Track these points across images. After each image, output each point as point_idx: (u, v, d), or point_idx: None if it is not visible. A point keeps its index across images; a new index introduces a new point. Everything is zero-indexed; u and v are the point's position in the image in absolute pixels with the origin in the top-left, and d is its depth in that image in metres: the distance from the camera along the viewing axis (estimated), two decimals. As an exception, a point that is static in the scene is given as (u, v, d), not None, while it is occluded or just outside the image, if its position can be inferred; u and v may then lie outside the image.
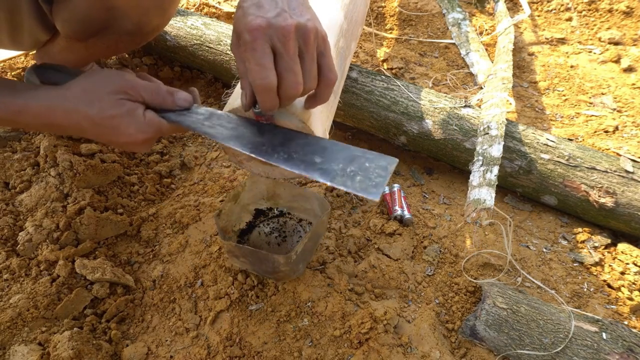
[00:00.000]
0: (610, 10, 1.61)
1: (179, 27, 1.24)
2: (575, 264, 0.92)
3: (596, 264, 0.92)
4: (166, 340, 0.78)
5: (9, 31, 0.79)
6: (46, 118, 0.60)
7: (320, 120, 0.69)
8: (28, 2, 0.76)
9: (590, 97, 1.35)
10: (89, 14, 0.76)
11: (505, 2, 1.62)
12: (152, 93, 0.60)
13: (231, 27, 1.25)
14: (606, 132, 1.21)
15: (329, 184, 0.48)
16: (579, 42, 1.55)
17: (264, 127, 0.58)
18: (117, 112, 0.58)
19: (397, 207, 0.97)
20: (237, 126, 0.58)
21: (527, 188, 1.01)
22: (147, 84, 0.61)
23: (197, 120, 0.59)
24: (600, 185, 0.94)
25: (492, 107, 1.02)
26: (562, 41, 1.56)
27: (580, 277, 0.90)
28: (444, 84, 1.37)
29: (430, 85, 1.35)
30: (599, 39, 1.55)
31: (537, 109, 1.32)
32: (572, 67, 1.45)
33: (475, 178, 0.88)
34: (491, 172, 0.88)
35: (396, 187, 1.01)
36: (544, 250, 0.95)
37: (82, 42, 0.84)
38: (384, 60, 1.43)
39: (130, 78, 0.60)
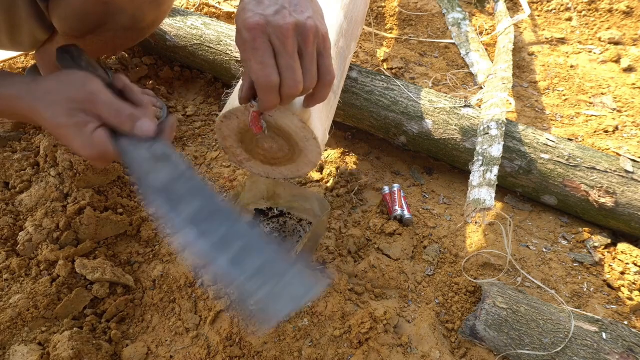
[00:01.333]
0: (610, 10, 1.61)
1: (179, 27, 1.24)
2: (575, 264, 0.92)
3: (596, 264, 0.92)
4: (166, 340, 0.78)
5: (7, 31, 0.79)
6: (13, 108, 0.58)
7: (320, 120, 0.69)
8: (25, 1, 0.76)
9: (590, 97, 1.35)
10: (84, 9, 0.75)
11: (505, 2, 1.62)
12: (112, 112, 0.55)
13: (231, 27, 1.25)
14: (606, 132, 1.21)
15: (215, 292, 0.40)
16: (579, 42, 1.55)
17: (197, 197, 0.49)
18: (65, 122, 0.55)
19: (397, 207, 0.97)
20: (172, 183, 0.50)
21: (527, 188, 1.01)
22: (111, 101, 0.56)
23: (139, 159, 0.53)
24: (600, 185, 0.94)
25: (492, 107, 1.02)
26: (562, 41, 1.56)
27: (580, 277, 0.90)
28: (444, 84, 1.37)
29: (430, 85, 1.35)
30: (599, 39, 1.55)
31: (537, 109, 1.32)
32: (572, 67, 1.45)
33: (475, 178, 0.88)
34: (491, 172, 0.88)
35: (396, 187, 1.01)
36: (544, 250, 0.95)
37: (79, 39, 0.84)
38: (384, 60, 1.43)
39: (95, 89, 0.56)
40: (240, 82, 0.64)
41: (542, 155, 0.98)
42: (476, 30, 1.55)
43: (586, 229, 0.98)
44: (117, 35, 0.83)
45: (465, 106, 1.05)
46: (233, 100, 0.68)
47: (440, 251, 0.93)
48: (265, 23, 0.49)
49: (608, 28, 1.58)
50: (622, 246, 0.94)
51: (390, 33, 1.58)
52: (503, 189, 1.05)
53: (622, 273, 0.90)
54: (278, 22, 0.49)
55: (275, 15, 0.50)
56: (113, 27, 0.81)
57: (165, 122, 0.58)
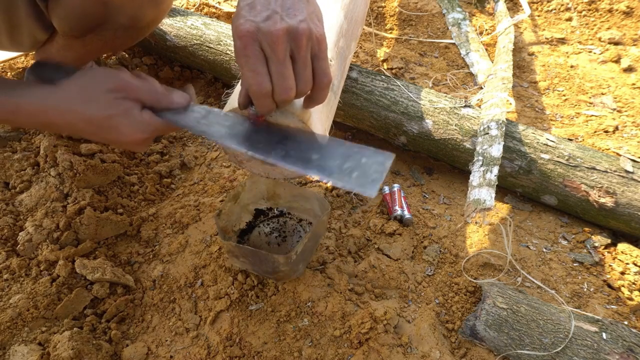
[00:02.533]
0: (610, 10, 1.61)
1: (179, 27, 1.24)
2: (575, 264, 0.92)
3: (596, 264, 0.92)
4: (166, 340, 0.78)
5: (7, 31, 0.80)
6: (40, 117, 0.59)
7: (320, 120, 0.69)
8: (25, 1, 0.76)
9: (590, 97, 1.35)
10: (84, 9, 0.76)
11: (505, 2, 1.62)
12: (148, 92, 0.59)
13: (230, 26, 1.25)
14: (606, 132, 1.21)
15: (325, 181, 0.48)
16: (579, 42, 1.55)
17: (260, 125, 0.58)
18: (114, 112, 0.57)
19: (397, 207, 0.97)
20: (233, 124, 0.57)
21: (527, 188, 1.01)
22: (143, 83, 0.60)
23: (193, 119, 0.59)
24: (600, 185, 0.94)
25: (492, 107, 1.02)
26: (562, 41, 1.56)
27: (580, 277, 0.90)
28: (444, 84, 1.37)
29: (430, 85, 1.35)
30: (599, 39, 1.55)
31: (537, 109, 1.32)
32: (572, 67, 1.45)
33: (475, 178, 0.88)
34: (491, 172, 0.88)
35: (396, 187, 1.01)
36: (544, 250, 0.95)
37: (79, 39, 0.84)
38: (384, 60, 1.43)
39: (126, 77, 0.59)
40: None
41: (542, 155, 0.98)
42: (476, 30, 1.55)
43: (586, 229, 0.98)
44: (116, 35, 0.83)
45: (465, 106, 1.05)
46: (233, 101, 0.68)
47: (440, 251, 0.93)
48: (255, 30, 0.49)
49: (608, 28, 1.58)
50: (622, 246, 0.94)
51: (390, 33, 1.58)
52: (503, 189, 1.05)
53: (622, 273, 0.90)
54: (269, 28, 0.49)
55: (266, 21, 0.50)
56: (113, 27, 0.81)
57: (186, 89, 0.63)
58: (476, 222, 0.97)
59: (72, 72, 0.66)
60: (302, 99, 0.63)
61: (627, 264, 0.91)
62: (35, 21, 0.81)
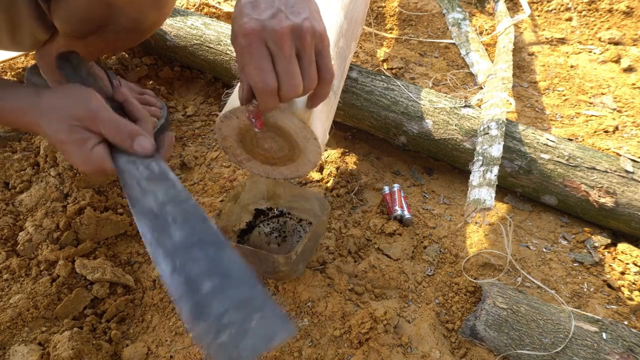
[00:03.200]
0: (610, 10, 1.61)
1: (179, 27, 1.24)
2: (575, 264, 0.92)
3: (596, 264, 0.92)
4: (166, 340, 0.78)
5: (8, 31, 0.79)
6: (18, 120, 0.60)
7: (320, 120, 0.69)
8: (26, 1, 0.76)
9: (590, 97, 1.35)
10: (87, 11, 0.76)
11: (505, 2, 1.62)
12: (112, 130, 0.57)
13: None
14: (606, 132, 1.21)
15: (187, 327, 0.36)
16: (579, 42, 1.55)
17: (191, 219, 0.48)
18: (66, 139, 0.57)
19: (397, 207, 0.97)
20: (165, 205, 0.49)
21: (527, 188, 1.01)
22: (111, 119, 0.58)
23: (136, 177, 0.53)
24: (600, 185, 0.94)
25: (492, 107, 1.02)
26: (562, 41, 1.56)
27: (580, 277, 0.90)
28: (444, 84, 1.37)
29: (430, 85, 1.35)
30: (599, 39, 1.55)
31: (537, 109, 1.32)
32: (572, 67, 1.45)
33: (475, 178, 0.88)
34: (491, 172, 0.88)
35: (396, 187, 1.01)
36: (544, 250, 0.95)
37: (80, 40, 0.84)
38: (384, 60, 1.43)
39: (96, 107, 0.58)
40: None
41: (542, 155, 0.98)
42: (476, 30, 1.55)
43: (586, 229, 0.98)
44: (118, 37, 0.84)
45: (465, 106, 1.05)
46: (233, 100, 0.68)
47: (440, 251, 0.93)
48: (261, 28, 0.49)
49: (608, 28, 1.58)
50: (622, 246, 0.94)
51: (390, 33, 1.58)
52: (503, 189, 1.05)
53: (622, 273, 0.90)
54: (274, 26, 0.49)
55: (271, 20, 0.50)
56: (115, 29, 0.81)
57: (163, 139, 0.59)
58: (476, 222, 0.97)
59: (85, 75, 0.66)
60: (303, 99, 0.63)
61: (627, 264, 0.91)
62: (36, 21, 0.81)
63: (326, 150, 1.13)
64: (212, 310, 0.37)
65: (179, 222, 0.47)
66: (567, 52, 1.51)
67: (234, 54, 1.17)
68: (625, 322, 0.82)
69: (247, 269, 0.41)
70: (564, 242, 0.97)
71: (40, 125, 0.58)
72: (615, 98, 1.34)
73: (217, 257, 0.42)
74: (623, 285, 0.88)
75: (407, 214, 0.96)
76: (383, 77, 1.11)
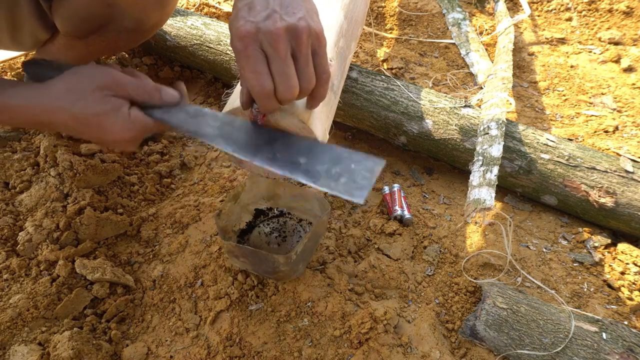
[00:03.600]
0: (610, 10, 1.61)
1: (179, 27, 1.24)
2: (575, 264, 0.92)
3: (596, 264, 0.92)
4: (166, 340, 0.78)
5: (9, 30, 0.79)
6: (28, 116, 0.59)
7: (320, 120, 0.69)
8: (28, 1, 0.76)
9: (590, 97, 1.35)
10: (88, 10, 0.75)
11: (505, 2, 1.62)
12: (138, 89, 0.58)
13: (231, 27, 1.25)
14: (606, 132, 1.21)
15: (312, 185, 0.47)
16: (579, 42, 1.55)
17: (250, 126, 0.57)
18: (102, 110, 0.56)
19: (397, 207, 0.97)
20: (222, 125, 0.57)
21: (527, 188, 1.01)
22: (134, 80, 0.59)
23: (182, 118, 0.58)
24: (600, 185, 0.94)
25: (492, 107, 1.02)
26: (562, 41, 1.56)
27: (580, 277, 0.90)
28: (444, 84, 1.37)
29: (430, 85, 1.35)
30: (599, 39, 1.55)
31: (537, 109, 1.32)
32: (572, 67, 1.45)
33: (475, 178, 0.88)
34: (491, 172, 0.88)
35: (396, 187, 1.01)
36: (544, 250, 0.95)
37: (81, 39, 0.84)
38: (384, 60, 1.43)
39: (116, 74, 0.58)
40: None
41: (542, 155, 0.98)
42: (476, 30, 1.55)
43: (586, 229, 0.98)
44: (120, 37, 0.83)
45: (465, 106, 1.05)
46: (233, 100, 0.68)
47: (440, 251, 0.93)
48: (255, 30, 0.49)
49: (608, 28, 1.58)
50: (622, 246, 0.94)
51: (390, 33, 1.58)
52: (503, 189, 1.05)
53: (622, 273, 0.90)
54: (268, 27, 0.49)
55: (265, 21, 0.50)
56: (116, 29, 0.81)
57: (179, 88, 0.63)
58: (476, 222, 0.97)
59: (66, 69, 0.65)
60: (303, 99, 0.63)
61: (627, 264, 0.91)
62: (37, 20, 0.81)
63: (326, 150, 1.13)
64: (319, 170, 0.49)
65: (242, 131, 0.56)
66: (567, 52, 1.51)
67: (234, 54, 1.17)
68: (625, 322, 0.82)
69: (318, 141, 0.54)
70: (564, 242, 0.97)
71: (60, 109, 0.57)
72: (615, 98, 1.34)
73: (292, 142, 0.55)
74: (623, 285, 0.88)
75: (407, 214, 0.96)
76: (383, 77, 1.11)
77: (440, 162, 1.13)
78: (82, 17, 0.76)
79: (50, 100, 0.58)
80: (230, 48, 1.18)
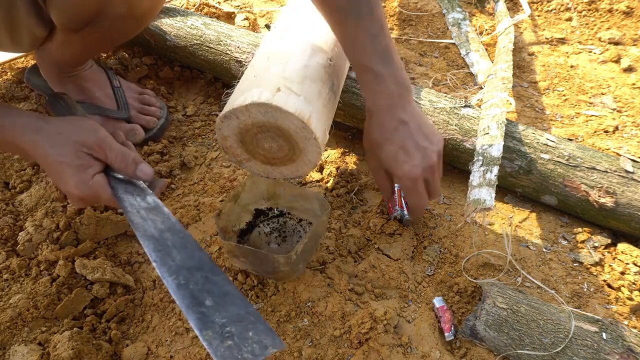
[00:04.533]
0: (610, 10, 1.61)
1: (179, 27, 1.24)
2: (575, 264, 0.92)
3: (596, 264, 0.92)
4: (166, 340, 0.78)
5: (7, 30, 0.80)
6: (15, 140, 0.64)
7: (320, 120, 0.69)
8: None
9: (590, 97, 1.35)
10: None
11: (505, 2, 1.62)
12: (117, 156, 0.63)
13: (231, 26, 1.25)
14: (606, 132, 1.21)
15: (197, 333, 0.43)
16: (579, 42, 1.55)
17: (190, 246, 0.55)
18: (70, 161, 0.61)
19: (397, 207, 0.97)
20: (164, 232, 0.56)
21: (527, 188, 1.01)
22: (117, 147, 0.63)
23: (135, 206, 0.60)
24: (600, 185, 0.94)
25: (492, 107, 1.02)
26: (562, 41, 1.56)
27: (580, 277, 0.90)
28: (444, 84, 1.37)
29: (430, 85, 1.35)
30: (599, 39, 1.55)
31: (537, 109, 1.32)
32: (572, 67, 1.45)
33: (475, 178, 0.88)
34: (491, 172, 0.88)
35: (396, 187, 1.01)
36: (544, 250, 0.95)
37: (77, 33, 0.85)
38: (384, 60, 1.43)
39: (104, 135, 0.64)
40: (255, 90, 0.65)
41: (542, 155, 0.98)
42: (476, 30, 1.55)
43: (586, 229, 0.98)
44: (114, 26, 0.84)
45: (465, 106, 1.05)
46: (233, 100, 0.68)
47: (440, 251, 0.93)
48: (422, 172, 0.71)
49: (608, 28, 1.58)
50: (622, 246, 0.94)
51: (390, 33, 1.57)
52: (503, 189, 1.05)
53: (622, 273, 0.90)
54: (428, 164, 0.71)
55: (424, 161, 0.70)
56: (110, 17, 0.81)
57: (157, 183, 0.66)
58: (476, 222, 0.97)
59: (78, 112, 0.73)
60: (303, 100, 0.64)
61: (627, 264, 0.91)
62: (34, 18, 0.81)
63: (326, 150, 1.13)
64: (215, 320, 0.44)
65: (178, 248, 0.54)
66: (567, 52, 1.51)
67: (234, 54, 1.17)
68: (625, 322, 0.82)
69: (239, 292, 0.49)
70: (564, 242, 0.97)
71: (42, 146, 0.62)
72: (615, 98, 1.34)
73: (214, 280, 0.50)
74: (623, 285, 0.88)
75: (407, 214, 0.96)
76: (383, 77, 1.11)
77: (440, 162, 1.13)
78: (75, 5, 0.77)
79: (40, 134, 0.63)
80: (230, 48, 1.18)
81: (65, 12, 0.78)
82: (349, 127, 1.17)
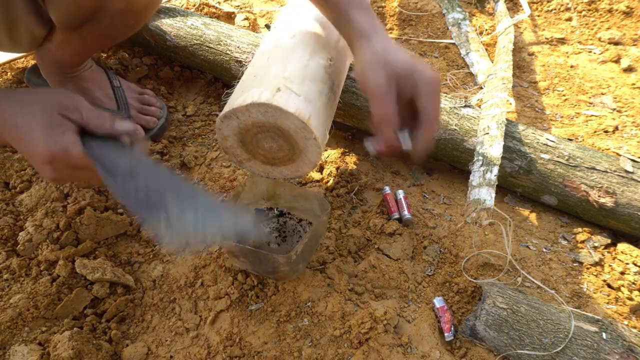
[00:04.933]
0: (610, 10, 1.61)
1: (179, 27, 1.24)
2: (575, 264, 0.92)
3: (596, 264, 0.92)
4: (166, 340, 0.78)
5: (6, 29, 0.80)
6: None
7: (320, 120, 0.69)
8: None
9: (590, 97, 1.35)
10: None
11: (505, 2, 1.62)
12: (94, 114, 0.58)
13: (231, 26, 1.25)
14: (606, 132, 1.21)
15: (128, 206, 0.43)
16: (579, 42, 1.55)
17: (152, 176, 0.53)
18: (39, 120, 0.56)
19: (404, 211, 0.96)
20: (134, 169, 0.54)
21: (527, 188, 1.01)
22: (92, 107, 0.59)
23: (106, 150, 0.56)
24: (600, 185, 0.94)
25: (492, 107, 1.02)
26: (562, 41, 1.56)
27: (580, 277, 0.90)
28: (444, 84, 1.37)
29: (430, 85, 1.35)
30: (599, 39, 1.55)
31: (537, 109, 1.32)
32: (572, 67, 1.45)
33: (475, 178, 0.88)
34: (491, 172, 0.88)
35: (401, 194, 1.00)
36: (544, 250, 0.95)
37: (76, 31, 0.84)
38: (384, 60, 1.43)
39: (78, 99, 0.59)
40: (255, 90, 0.64)
41: (542, 155, 0.98)
42: (476, 30, 1.55)
43: (586, 229, 0.98)
44: (113, 22, 0.84)
45: (465, 106, 1.05)
46: (233, 100, 0.68)
47: (440, 251, 0.93)
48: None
49: (608, 28, 1.58)
50: (622, 246, 0.94)
51: (390, 33, 1.58)
52: (503, 189, 1.05)
53: (622, 273, 0.90)
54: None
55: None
56: (109, 13, 0.81)
57: (138, 143, 0.62)
58: (476, 222, 0.97)
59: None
60: (303, 100, 0.63)
61: (627, 264, 0.91)
62: (33, 17, 0.81)
63: (326, 150, 1.13)
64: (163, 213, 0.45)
65: (147, 175, 0.53)
66: (567, 52, 1.51)
67: (234, 54, 1.17)
68: (625, 322, 0.82)
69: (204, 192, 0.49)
70: (564, 242, 0.97)
71: (8, 111, 0.56)
72: (615, 98, 1.34)
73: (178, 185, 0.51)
74: (623, 285, 0.88)
75: (407, 214, 0.96)
76: (383, 77, 1.11)
77: (440, 162, 1.13)
78: (74, 0, 0.76)
79: (10, 103, 0.57)
80: (230, 48, 1.18)
81: (64, 9, 0.78)
82: (349, 127, 1.17)
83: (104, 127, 0.58)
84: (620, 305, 0.85)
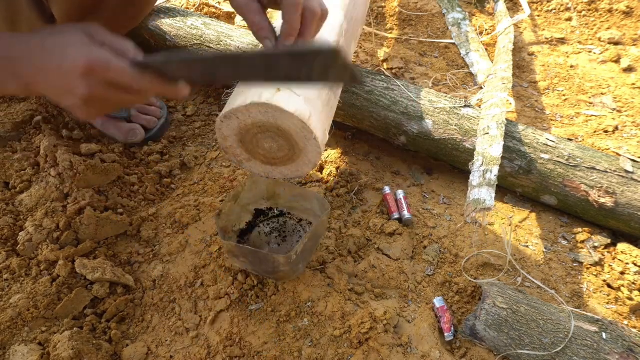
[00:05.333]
0: (610, 10, 1.61)
1: (179, 27, 1.24)
2: (575, 264, 0.92)
3: (596, 264, 0.92)
4: (166, 340, 0.78)
5: (7, 25, 0.80)
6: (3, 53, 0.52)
7: (320, 120, 0.69)
8: None
9: (590, 97, 1.35)
10: None
11: (505, 2, 1.62)
12: (119, 40, 0.56)
13: (231, 26, 1.25)
14: (606, 132, 1.21)
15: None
16: (579, 42, 1.55)
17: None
18: (70, 35, 0.51)
19: (404, 211, 0.97)
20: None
21: (527, 188, 1.01)
22: (118, 37, 0.57)
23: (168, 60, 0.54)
24: (600, 185, 0.94)
25: (492, 107, 1.02)
26: (562, 41, 1.56)
27: (580, 277, 0.90)
28: (444, 84, 1.37)
29: (430, 85, 1.35)
30: (599, 39, 1.55)
31: (537, 109, 1.32)
32: (572, 67, 1.45)
33: (475, 178, 0.88)
34: (491, 172, 0.88)
35: (401, 194, 1.00)
36: (544, 250, 0.95)
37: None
38: (384, 60, 1.43)
39: (102, 28, 0.56)
40: (255, 90, 0.64)
41: (542, 155, 0.98)
42: (476, 30, 1.55)
43: (586, 229, 0.98)
44: (115, 14, 0.83)
45: (465, 106, 1.05)
46: (233, 100, 0.68)
47: (440, 251, 0.93)
48: None
49: (608, 28, 1.58)
50: (622, 246, 0.94)
51: (390, 33, 1.58)
52: (503, 189, 1.05)
53: (622, 273, 0.90)
54: None
55: None
56: (110, 5, 0.81)
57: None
58: (476, 222, 0.97)
59: None
60: (303, 100, 0.63)
61: (627, 264, 0.91)
62: (34, 11, 0.81)
63: (326, 150, 1.13)
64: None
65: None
66: (567, 52, 1.51)
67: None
68: (625, 322, 0.82)
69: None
70: (564, 242, 0.97)
71: (34, 41, 0.51)
72: (615, 98, 1.34)
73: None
74: (623, 285, 0.88)
75: (407, 214, 0.96)
76: (383, 77, 1.11)
77: (440, 162, 1.13)
78: None
79: (34, 35, 0.52)
80: (230, 48, 1.18)
81: (67, 1, 0.78)
82: (349, 127, 1.17)
83: (129, 56, 0.56)
84: (620, 305, 0.85)
